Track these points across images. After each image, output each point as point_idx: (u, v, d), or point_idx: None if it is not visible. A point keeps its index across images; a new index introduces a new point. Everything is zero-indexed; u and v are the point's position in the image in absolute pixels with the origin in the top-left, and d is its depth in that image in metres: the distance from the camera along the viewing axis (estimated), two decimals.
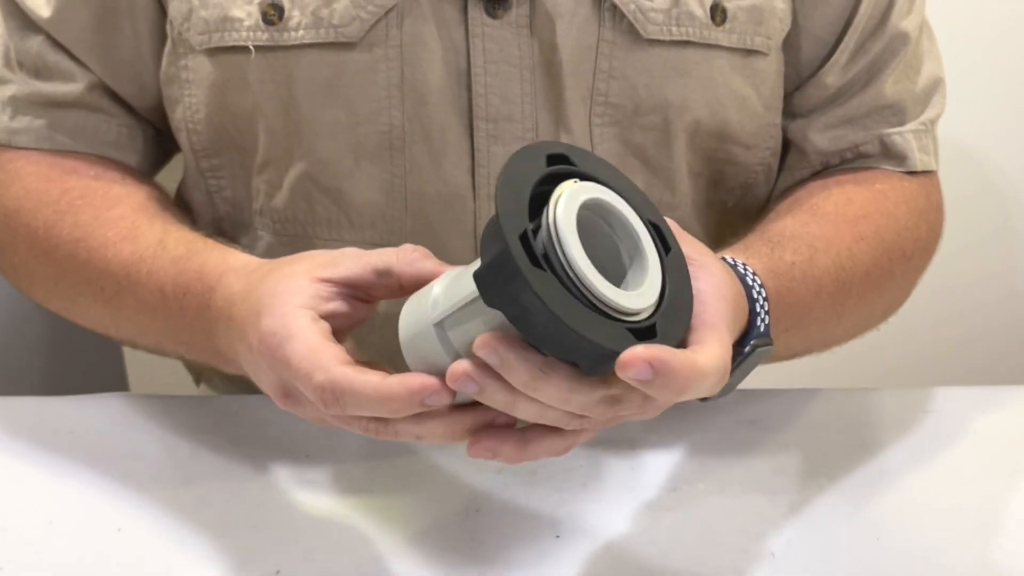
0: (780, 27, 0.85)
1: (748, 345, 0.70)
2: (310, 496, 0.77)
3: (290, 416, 0.67)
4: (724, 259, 0.72)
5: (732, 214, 0.92)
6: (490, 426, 0.63)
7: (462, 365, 0.59)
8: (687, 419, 0.83)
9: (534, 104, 0.82)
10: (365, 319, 0.69)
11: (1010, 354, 1.49)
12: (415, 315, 0.63)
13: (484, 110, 0.81)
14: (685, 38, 0.82)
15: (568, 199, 0.59)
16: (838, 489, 0.79)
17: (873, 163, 0.90)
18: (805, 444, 0.83)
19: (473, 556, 0.72)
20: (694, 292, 0.63)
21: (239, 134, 0.85)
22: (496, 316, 0.58)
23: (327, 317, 0.65)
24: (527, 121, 0.82)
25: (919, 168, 0.90)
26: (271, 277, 0.68)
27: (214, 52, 0.83)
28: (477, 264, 0.59)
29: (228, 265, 0.74)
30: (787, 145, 0.91)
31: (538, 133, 0.82)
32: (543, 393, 0.58)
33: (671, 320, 0.61)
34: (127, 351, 1.25)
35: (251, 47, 0.81)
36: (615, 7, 0.81)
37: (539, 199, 0.59)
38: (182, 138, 0.88)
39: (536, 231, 0.58)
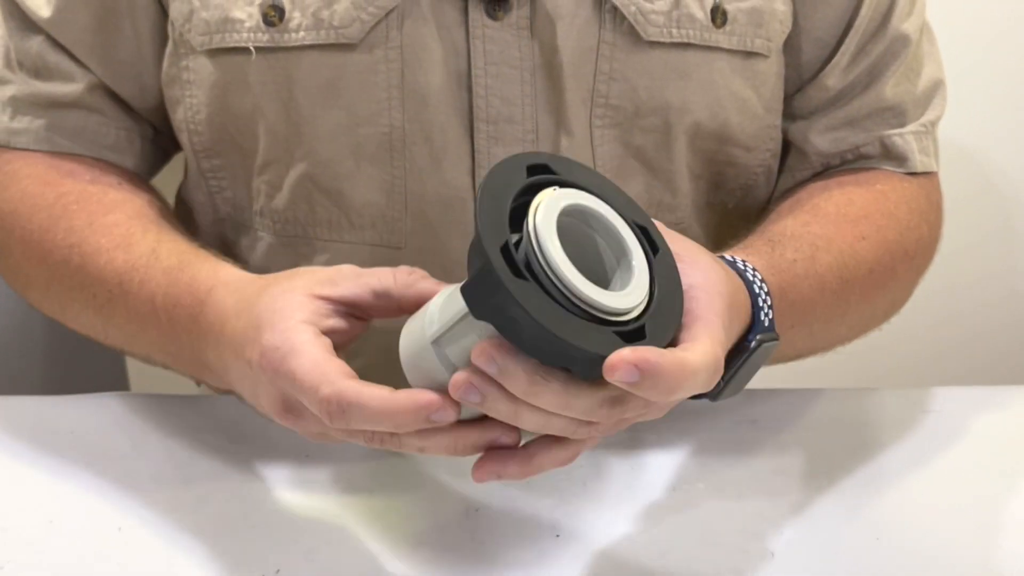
0: (781, 29, 0.85)
1: (753, 340, 0.70)
2: (310, 496, 0.77)
3: None
4: (723, 257, 0.72)
5: (732, 215, 0.92)
6: (493, 445, 0.63)
7: (464, 374, 0.59)
8: (687, 419, 0.83)
9: (534, 106, 0.82)
10: (359, 336, 0.69)
11: (1010, 354, 1.49)
12: (414, 335, 0.63)
13: (484, 112, 0.81)
14: (685, 40, 0.82)
15: (547, 206, 0.59)
16: (838, 489, 0.79)
17: (874, 164, 0.90)
18: (805, 444, 0.83)
19: (473, 556, 0.73)
20: (686, 288, 0.63)
21: (240, 135, 0.85)
22: (489, 329, 0.59)
23: (326, 333, 0.66)
24: (527, 123, 0.82)
25: (919, 169, 0.90)
26: (268, 293, 0.68)
27: (215, 53, 0.83)
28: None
29: (219, 279, 0.74)
30: (787, 146, 0.91)
31: (538, 135, 0.82)
32: (544, 399, 0.59)
33: (660, 320, 0.61)
34: None
35: (252, 48, 0.81)
36: (616, 9, 0.81)
37: (521, 210, 0.60)
38: (183, 139, 0.88)
39: (519, 243, 0.58)
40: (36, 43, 0.86)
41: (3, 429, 0.83)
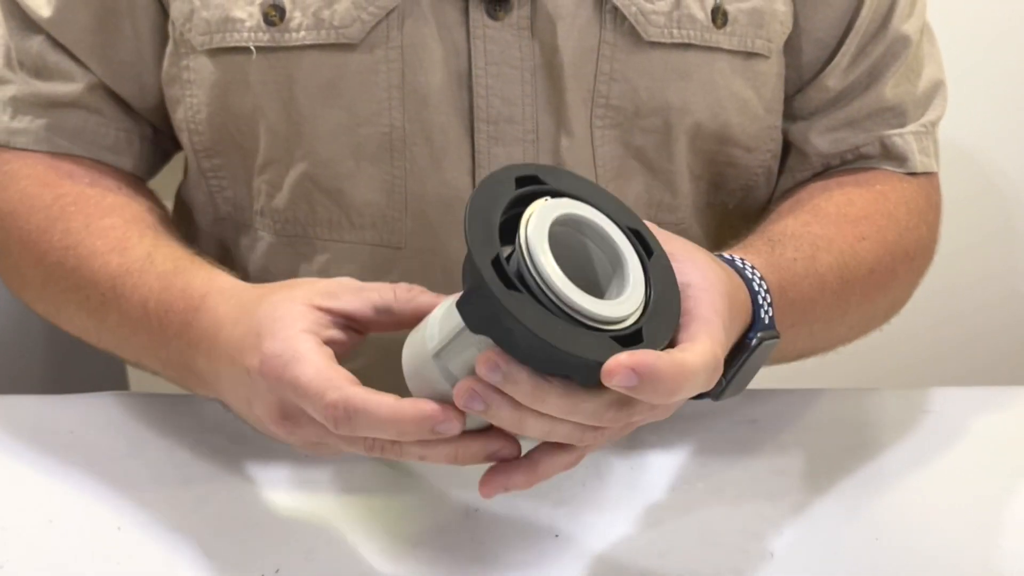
0: (781, 30, 0.85)
1: (754, 338, 0.70)
2: (309, 496, 0.77)
3: None
4: (722, 256, 0.72)
5: (733, 216, 0.92)
6: (495, 457, 0.63)
7: (468, 382, 0.59)
8: (687, 419, 0.83)
9: (535, 106, 0.82)
10: (355, 348, 0.69)
11: (1010, 354, 1.49)
12: (415, 348, 0.64)
13: (485, 112, 0.81)
14: (686, 41, 0.82)
15: (538, 217, 0.60)
16: (838, 489, 0.79)
17: (874, 164, 0.90)
18: (805, 444, 0.83)
19: (473, 556, 0.73)
20: (683, 288, 0.63)
21: (240, 134, 0.85)
22: (487, 341, 0.59)
23: (325, 344, 0.66)
24: (528, 123, 0.82)
25: (919, 169, 0.90)
26: (267, 301, 0.68)
27: (215, 53, 0.83)
28: None
29: (214, 285, 0.74)
30: (787, 147, 0.91)
31: (539, 135, 0.82)
32: (549, 404, 0.59)
33: (657, 322, 0.61)
34: None
35: (252, 48, 0.81)
36: (616, 9, 0.81)
37: (513, 222, 0.60)
38: (183, 138, 0.88)
39: (511, 255, 0.59)
40: (36, 43, 0.86)
41: (2, 429, 0.83)
